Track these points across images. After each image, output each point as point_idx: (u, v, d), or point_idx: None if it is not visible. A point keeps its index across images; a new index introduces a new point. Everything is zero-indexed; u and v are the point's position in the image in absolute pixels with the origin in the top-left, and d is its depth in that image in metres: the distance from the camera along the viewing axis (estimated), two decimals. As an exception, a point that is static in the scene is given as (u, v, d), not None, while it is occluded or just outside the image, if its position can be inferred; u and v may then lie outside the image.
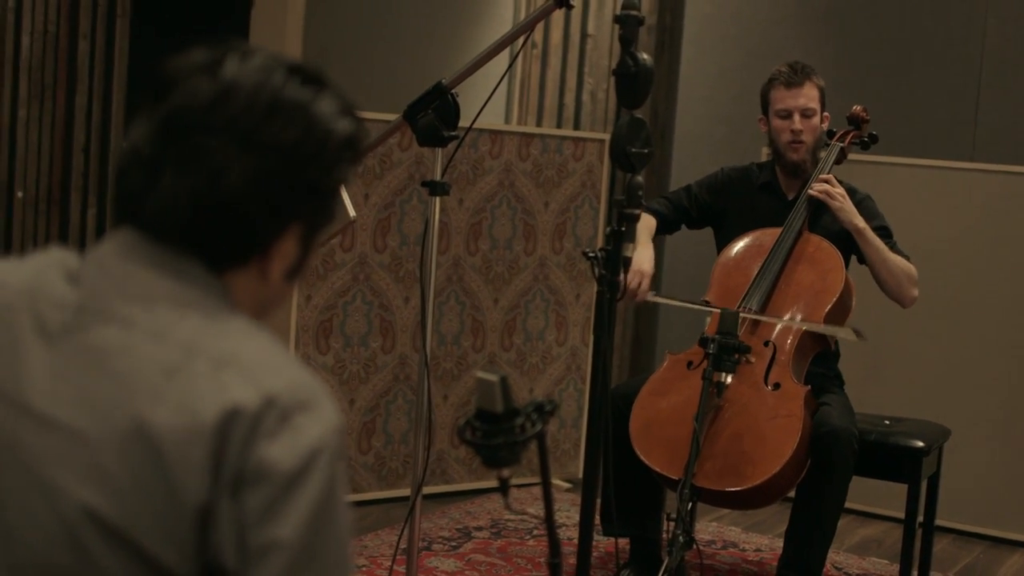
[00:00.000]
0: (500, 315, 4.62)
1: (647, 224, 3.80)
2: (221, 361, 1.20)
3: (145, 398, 1.18)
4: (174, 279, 1.26)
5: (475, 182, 4.48)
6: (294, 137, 1.28)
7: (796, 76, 3.70)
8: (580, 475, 4.94)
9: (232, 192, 1.26)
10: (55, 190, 4.59)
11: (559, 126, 5.92)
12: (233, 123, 1.26)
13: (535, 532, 4.23)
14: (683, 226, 3.95)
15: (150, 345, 1.21)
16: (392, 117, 3.09)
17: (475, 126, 3.12)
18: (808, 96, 3.70)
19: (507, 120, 5.83)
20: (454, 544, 4.04)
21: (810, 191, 3.65)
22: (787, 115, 3.70)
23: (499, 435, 1.87)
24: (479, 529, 4.22)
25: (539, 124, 5.87)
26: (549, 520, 2.34)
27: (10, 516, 1.20)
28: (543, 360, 4.74)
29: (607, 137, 4.90)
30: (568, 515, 4.40)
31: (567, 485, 4.64)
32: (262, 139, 1.26)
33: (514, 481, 4.63)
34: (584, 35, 6.00)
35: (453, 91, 2.98)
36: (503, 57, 5.74)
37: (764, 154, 4.81)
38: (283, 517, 1.17)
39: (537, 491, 4.70)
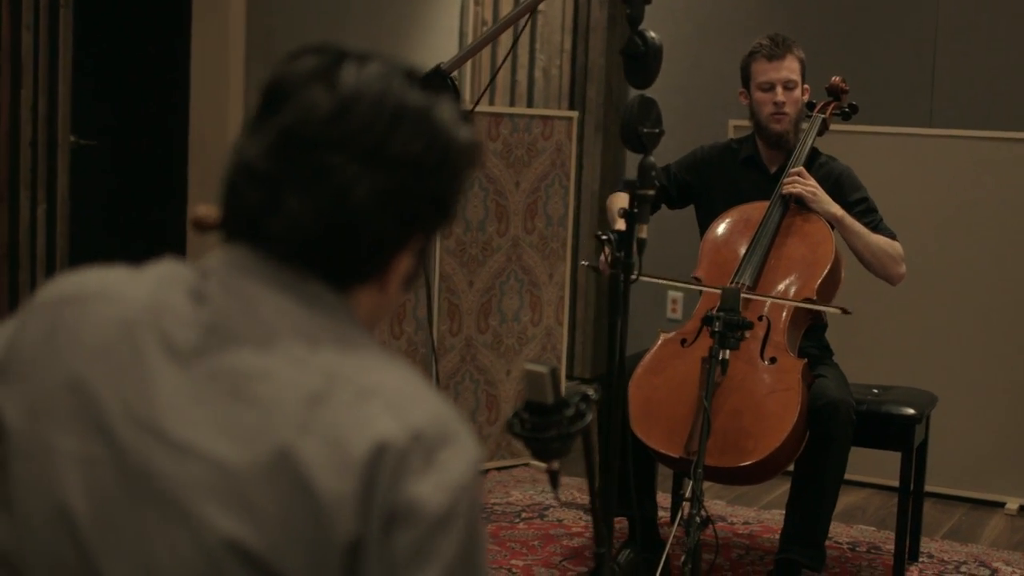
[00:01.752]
0: (475, 297, 4.57)
1: (625, 201, 3.77)
2: (364, 391, 1.15)
3: (290, 427, 1.13)
4: (301, 301, 1.21)
5: (446, 164, 4.42)
6: (418, 149, 1.22)
7: (778, 48, 3.69)
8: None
9: (359, 210, 1.20)
10: (3, 187, 4.46)
11: (512, 103, 5.87)
12: (356, 137, 1.19)
13: (523, 515, 4.20)
14: (663, 206, 3.93)
15: (290, 370, 1.15)
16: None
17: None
18: (790, 68, 3.70)
19: (461, 100, 5.76)
20: (445, 532, 3.99)
21: (783, 190, 3.64)
22: (769, 87, 3.70)
23: (551, 427, 1.84)
24: (467, 515, 4.17)
25: (491, 103, 5.81)
26: (594, 511, 2.32)
27: (150, 548, 1.13)
28: (519, 341, 4.71)
29: (575, 115, 4.87)
30: (554, 496, 4.37)
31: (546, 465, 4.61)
32: (387, 153, 1.20)
33: (496, 464, 4.62)
34: (535, 11, 5.95)
35: (451, 75, 2.92)
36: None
37: (731, 128, 4.81)
38: (433, 559, 1.13)
39: (519, 473, 4.67)
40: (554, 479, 1.88)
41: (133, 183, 5.58)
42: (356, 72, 1.22)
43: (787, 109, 3.70)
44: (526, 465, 4.73)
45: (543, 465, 1.85)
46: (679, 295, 5.75)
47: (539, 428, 1.84)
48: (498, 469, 4.69)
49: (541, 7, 5.96)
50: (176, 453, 1.14)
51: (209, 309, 1.19)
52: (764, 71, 3.70)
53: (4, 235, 4.43)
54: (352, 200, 1.19)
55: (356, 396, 1.14)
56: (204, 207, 1.57)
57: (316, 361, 1.16)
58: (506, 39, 5.87)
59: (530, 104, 5.91)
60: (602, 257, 3.29)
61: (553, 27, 5.99)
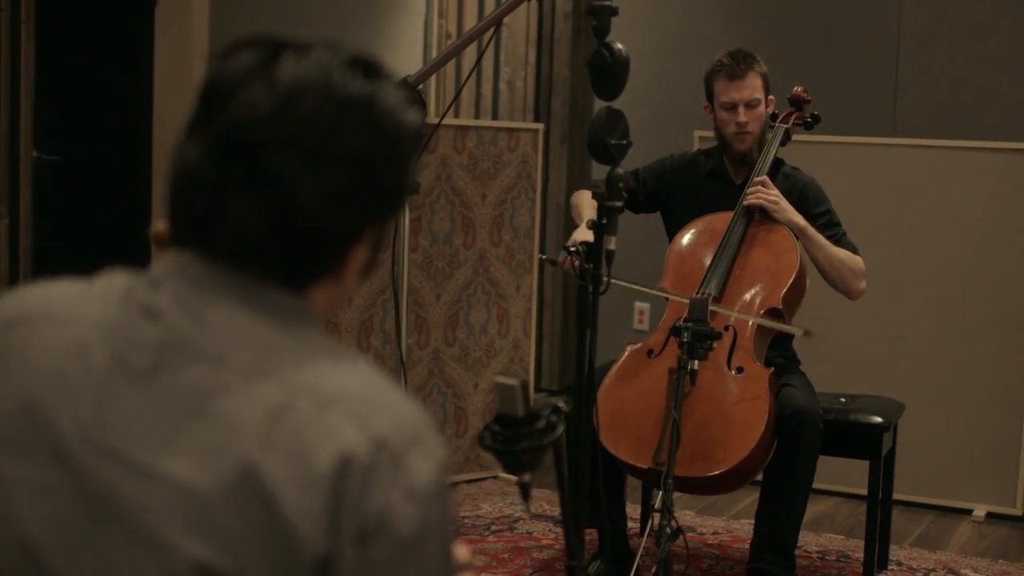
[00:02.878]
0: (443, 310, 4.56)
1: (592, 204, 3.76)
2: (324, 400, 1.12)
3: (251, 443, 1.09)
4: (255, 309, 1.17)
5: (412, 177, 4.42)
6: (365, 142, 1.18)
7: (738, 67, 3.68)
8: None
9: (306, 211, 1.16)
10: (-34, 202, 4.42)
11: (477, 116, 5.87)
12: (299, 136, 1.15)
13: (493, 528, 4.19)
14: (626, 211, 3.93)
15: (247, 384, 1.12)
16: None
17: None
18: (752, 87, 3.69)
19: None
20: (415, 545, 3.98)
21: (746, 202, 3.65)
22: (732, 107, 3.70)
23: (522, 440, 1.83)
24: (437, 528, 4.16)
25: (456, 115, 5.81)
26: (566, 523, 2.31)
27: (116, 574, 1.10)
28: (486, 354, 4.70)
29: (541, 127, 4.87)
30: (525, 509, 4.37)
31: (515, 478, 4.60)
32: (331, 150, 1.16)
33: (465, 477, 4.61)
34: (499, 23, 5.95)
35: (417, 89, 2.92)
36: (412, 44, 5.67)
37: (696, 139, 4.83)
38: (412, 569, 1.12)
39: (489, 486, 4.66)
40: (525, 491, 1.87)
41: (96, 197, 5.54)
42: (295, 64, 1.18)
43: (750, 128, 3.70)
44: (495, 478, 4.72)
45: (513, 478, 1.84)
46: (646, 306, 5.76)
47: (510, 440, 1.83)
48: (467, 482, 4.69)
49: (506, 20, 5.97)
50: (138, 476, 1.11)
51: (162, 326, 1.15)
52: (726, 90, 3.69)
53: (-33, 250, 4.39)
54: (299, 201, 1.15)
55: (316, 407, 1.11)
56: (164, 222, 1.53)
57: (273, 372, 1.13)
58: (471, 52, 5.88)
59: (495, 116, 5.92)
60: (562, 256, 3.27)
61: (517, 40, 5.99)
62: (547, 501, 4.39)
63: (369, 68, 1.22)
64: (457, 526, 1.21)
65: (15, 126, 4.50)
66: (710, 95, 3.75)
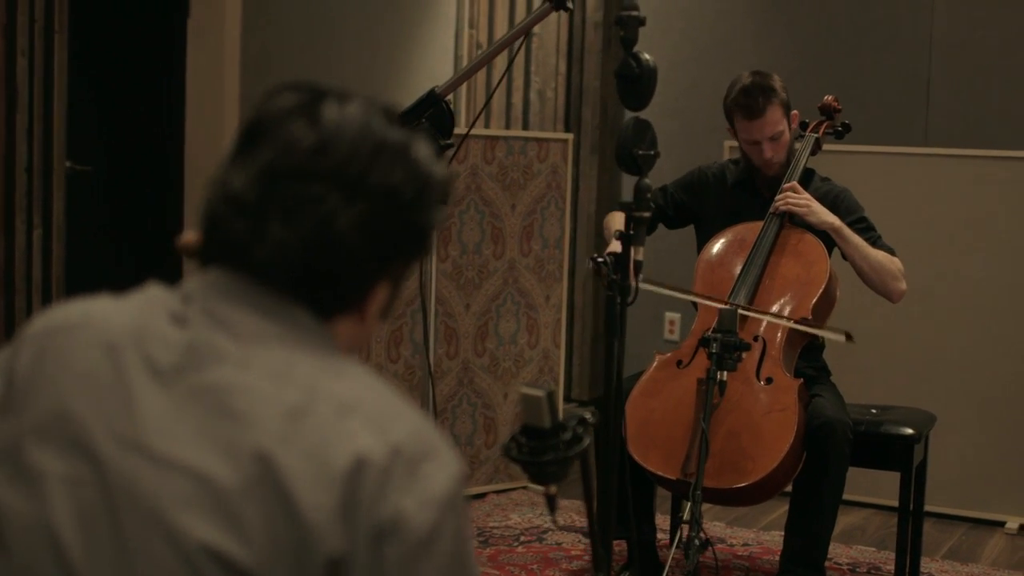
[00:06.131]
0: (472, 321, 4.57)
1: (622, 220, 3.76)
2: (344, 407, 1.18)
3: (271, 439, 1.15)
4: (281, 323, 1.24)
5: (441, 187, 4.42)
6: (398, 179, 1.27)
7: (756, 104, 3.59)
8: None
9: (342, 239, 1.24)
10: (-2, 212, 4.45)
11: (508, 126, 5.87)
12: (339, 169, 1.24)
13: (522, 539, 4.18)
14: (661, 225, 3.92)
15: (269, 385, 1.18)
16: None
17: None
18: (772, 122, 3.61)
19: (456, 123, 5.76)
20: (443, 556, 3.98)
21: (776, 207, 3.62)
22: (755, 143, 3.66)
23: (548, 451, 1.83)
24: (466, 539, 4.16)
25: (487, 125, 5.81)
26: (592, 535, 2.30)
27: (134, 563, 1.15)
28: (515, 364, 4.70)
29: (570, 137, 4.87)
30: (552, 520, 4.36)
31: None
32: (368, 184, 1.25)
33: (494, 488, 4.60)
34: (530, 34, 5.96)
35: (446, 99, 2.93)
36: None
37: (727, 148, 4.81)
38: (422, 573, 1.16)
39: (518, 496, 4.66)
40: (551, 503, 1.87)
41: (129, 208, 5.58)
42: (337, 108, 1.27)
43: (775, 159, 3.67)
44: (524, 488, 4.71)
45: (541, 488, 1.84)
46: (676, 316, 5.75)
47: (536, 452, 1.84)
48: (496, 492, 4.68)
49: (536, 30, 5.97)
50: (158, 467, 1.16)
51: (189, 331, 1.23)
52: (746, 129, 3.63)
53: (0, 259, 4.42)
54: (335, 229, 1.23)
55: (336, 412, 1.18)
56: (191, 233, 1.60)
57: (296, 377, 1.19)
58: (501, 62, 5.88)
59: (525, 127, 5.92)
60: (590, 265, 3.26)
61: (548, 50, 5.99)
62: (576, 512, 4.38)
63: (402, 121, 1.32)
64: (475, 539, 1.26)
65: (48, 136, 4.52)
66: (731, 123, 3.71)
